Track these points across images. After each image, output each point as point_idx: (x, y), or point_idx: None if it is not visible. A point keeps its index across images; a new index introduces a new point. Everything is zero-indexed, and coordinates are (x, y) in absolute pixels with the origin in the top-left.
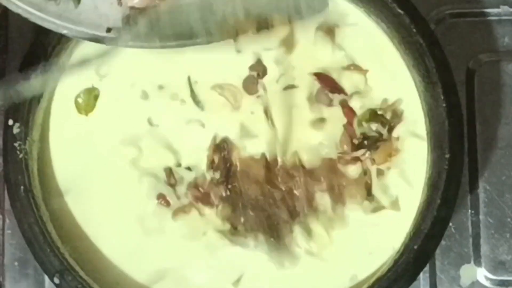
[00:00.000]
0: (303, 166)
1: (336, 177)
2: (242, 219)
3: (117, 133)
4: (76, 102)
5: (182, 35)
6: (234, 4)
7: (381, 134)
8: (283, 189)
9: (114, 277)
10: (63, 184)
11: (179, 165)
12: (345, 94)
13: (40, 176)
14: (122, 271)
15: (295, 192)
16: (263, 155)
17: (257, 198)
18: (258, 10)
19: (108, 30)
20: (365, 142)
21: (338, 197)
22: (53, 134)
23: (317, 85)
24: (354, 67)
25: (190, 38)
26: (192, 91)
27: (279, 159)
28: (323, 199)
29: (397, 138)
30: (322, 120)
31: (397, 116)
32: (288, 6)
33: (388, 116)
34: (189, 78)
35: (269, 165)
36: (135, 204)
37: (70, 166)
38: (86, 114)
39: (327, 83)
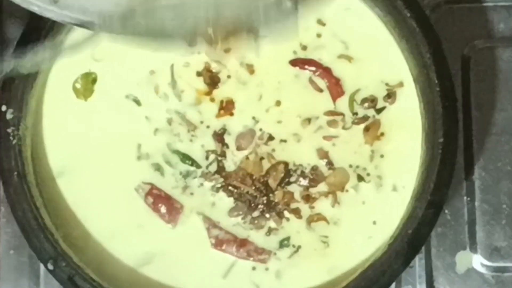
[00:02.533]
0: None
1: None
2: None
3: (116, 117)
4: (74, 87)
5: (156, 35)
6: (207, 9)
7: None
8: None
9: (106, 262)
10: (57, 170)
11: (175, 151)
12: (333, 76)
13: (34, 162)
14: (113, 256)
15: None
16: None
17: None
18: (229, 18)
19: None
20: (355, 120)
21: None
22: (46, 120)
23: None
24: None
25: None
26: (173, 78)
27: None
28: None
29: (391, 122)
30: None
31: (390, 98)
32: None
33: (381, 97)
34: (172, 67)
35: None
36: (128, 189)
37: (64, 152)
38: (85, 99)
39: (308, 65)
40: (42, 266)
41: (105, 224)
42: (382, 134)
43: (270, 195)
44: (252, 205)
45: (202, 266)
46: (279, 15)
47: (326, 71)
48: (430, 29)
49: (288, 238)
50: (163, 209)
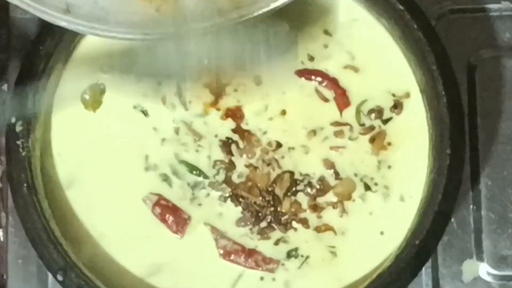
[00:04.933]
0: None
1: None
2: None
3: (124, 128)
4: (82, 98)
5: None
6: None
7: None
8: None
9: (115, 272)
10: (66, 181)
11: (182, 161)
12: (340, 87)
13: (43, 173)
14: (121, 265)
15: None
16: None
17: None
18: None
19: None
20: (361, 131)
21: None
22: (55, 131)
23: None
24: (351, 67)
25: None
26: (179, 89)
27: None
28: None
29: (397, 133)
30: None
31: (397, 109)
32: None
33: (387, 108)
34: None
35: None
36: (136, 200)
37: (72, 163)
38: (94, 110)
39: (315, 75)
40: (50, 276)
41: (113, 235)
42: (389, 144)
43: (278, 205)
44: (260, 215)
45: (210, 276)
46: (279, 42)
47: (332, 82)
48: (436, 40)
49: (296, 249)
50: (170, 220)
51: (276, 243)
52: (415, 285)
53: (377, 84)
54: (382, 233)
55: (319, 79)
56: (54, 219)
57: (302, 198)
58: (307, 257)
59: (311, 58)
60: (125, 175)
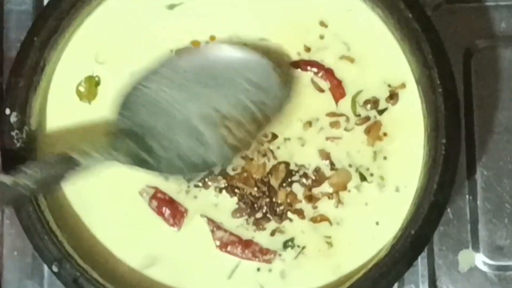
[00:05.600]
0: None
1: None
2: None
3: None
4: (77, 90)
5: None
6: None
7: (370, 117)
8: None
9: (110, 263)
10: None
11: None
12: (335, 77)
13: None
14: (117, 257)
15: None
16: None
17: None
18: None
19: None
20: (357, 121)
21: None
22: (50, 123)
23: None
24: (347, 58)
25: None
26: None
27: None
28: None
29: (393, 123)
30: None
31: (392, 99)
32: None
33: (383, 98)
34: None
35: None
36: (132, 193)
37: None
38: (89, 102)
39: (311, 66)
40: (46, 268)
41: (109, 227)
42: (385, 134)
43: (273, 196)
44: (255, 206)
45: (206, 268)
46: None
47: (328, 73)
48: (431, 29)
49: (292, 239)
50: (167, 213)
51: (272, 233)
52: (411, 275)
53: (373, 74)
54: (377, 223)
55: (314, 69)
56: (49, 210)
57: (298, 189)
58: (303, 247)
59: (308, 49)
60: (122, 167)
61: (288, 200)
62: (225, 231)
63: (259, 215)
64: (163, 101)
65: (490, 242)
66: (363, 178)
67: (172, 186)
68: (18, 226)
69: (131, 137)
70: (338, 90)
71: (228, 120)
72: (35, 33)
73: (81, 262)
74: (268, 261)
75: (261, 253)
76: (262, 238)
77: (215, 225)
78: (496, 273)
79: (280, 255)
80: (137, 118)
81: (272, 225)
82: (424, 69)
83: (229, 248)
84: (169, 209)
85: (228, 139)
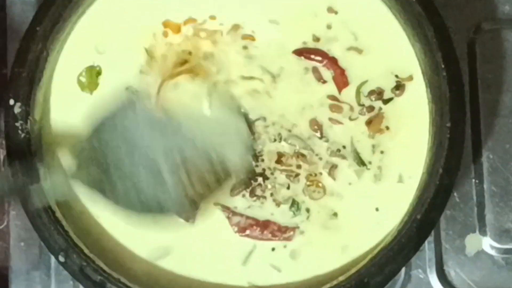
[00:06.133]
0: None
1: None
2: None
3: None
4: (78, 81)
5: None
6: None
7: (374, 107)
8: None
9: (118, 253)
10: (66, 162)
11: None
12: (339, 66)
13: None
14: (126, 248)
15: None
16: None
17: None
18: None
19: None
20: (360, 111)
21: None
22: (54, 113)
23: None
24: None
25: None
26: None
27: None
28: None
29: (397, 115)
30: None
31: (399, 90)
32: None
33: (388, 89)
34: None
35: None
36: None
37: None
38: (91, 92)
39: (314, 54)
40: (53, 258)
41: (116, 218)
42: (387, 128)
43: (265, 164)
44: (250, 178)
45: (222, 255)
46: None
47: (332, 61)
48: (435, 13)
49: (295, 203)
50: None
51: (278, 205)
52: (419, 260)
53: (379, 65)
54: (377, 209)
55: (318, 58)
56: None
57: (287, 149)
58: (308, 209)
59: (317, 39)
60: None
61: (280, 164)
62: (241, 215)
63: (255, 184)
64: (134, 135)
65: (497, 225)
66: (362, 163)
67: None
68: (25, 217)
69: (96, 161)
70: (341, 78)
71: (189, 165)
72: (38, 23)
73: (88, 252)
74: (288, 239)
75: (280, 232)
76: (278, 215)
77: (229, 211)
78: (504, 256)
79: (299, 228)
80: (105, 146)
81: (270, 192)
82: (428, 53)
83: (247, 232)
84: None
85: (188, 191)
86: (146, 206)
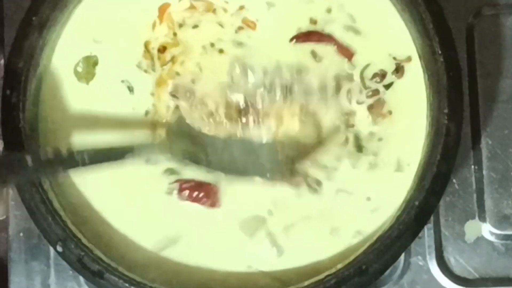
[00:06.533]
0: None
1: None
2: None
3: (119, 98)
4: (75, 71)
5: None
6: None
7: (378, 91)
8: None
9: (118, 242)
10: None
11: None
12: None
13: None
14: (126, 237)
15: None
16: None
17: None
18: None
19: None
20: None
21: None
22: (50, 103)
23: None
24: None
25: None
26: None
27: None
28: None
29: (398, 98)
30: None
31: (398, 73)
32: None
33: (389, 72)
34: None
35: None
36: (140, 169)
37: (70, 134)
38: (87, 83)
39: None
40: (52, 248)
41: (119, 209)
42: (390, 112)
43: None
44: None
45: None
46: None
47: (328, 39)
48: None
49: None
50: (202, 197)
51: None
52: (418, 247)
53: (378, 48)
54: (368, 199)
55: (315, 38)
56: (52, 190)
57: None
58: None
59: (314, 22)
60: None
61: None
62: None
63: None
64: None
65: (496, 211)
66: (359, 148)
67: (192, 169)
68: (23, 207)
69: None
70: (345, 50)
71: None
72: (34, 12)
73: (86, 242)
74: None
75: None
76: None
77: None
78: (503, 242)
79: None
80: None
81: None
82: (425, 39)
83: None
84: (201, 192)
85: (279, 155)
86: (240, 171)
